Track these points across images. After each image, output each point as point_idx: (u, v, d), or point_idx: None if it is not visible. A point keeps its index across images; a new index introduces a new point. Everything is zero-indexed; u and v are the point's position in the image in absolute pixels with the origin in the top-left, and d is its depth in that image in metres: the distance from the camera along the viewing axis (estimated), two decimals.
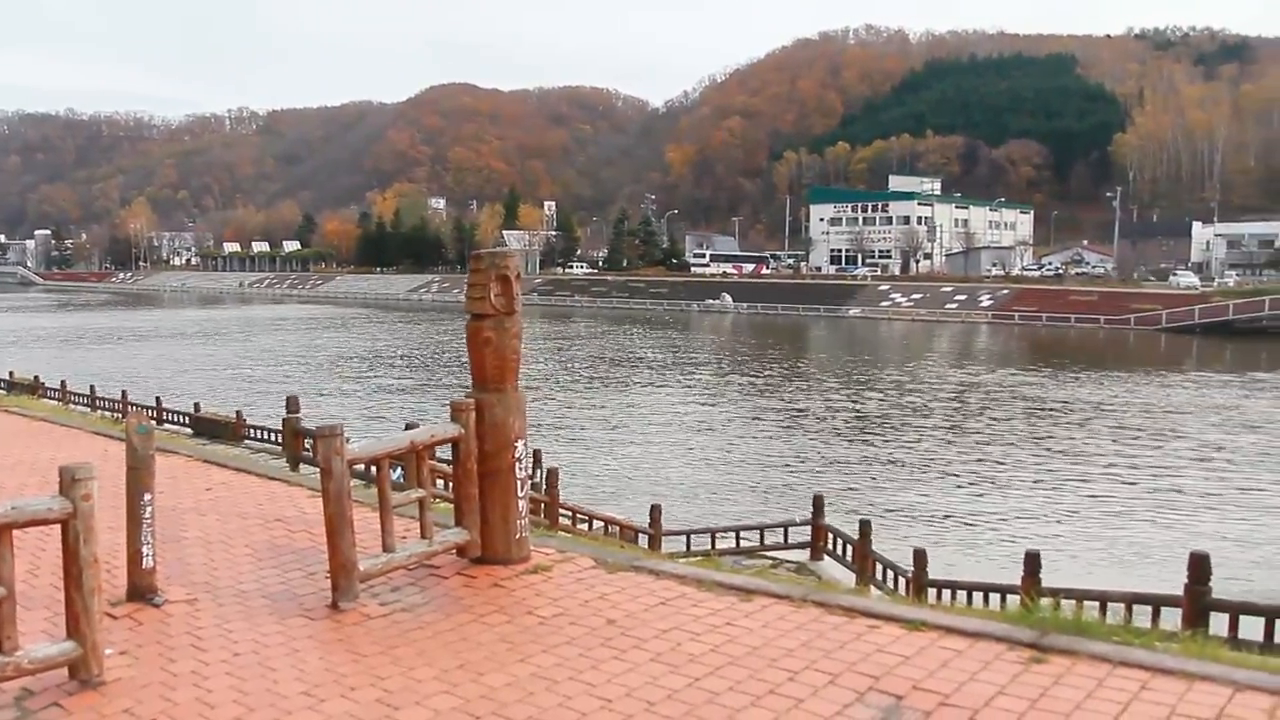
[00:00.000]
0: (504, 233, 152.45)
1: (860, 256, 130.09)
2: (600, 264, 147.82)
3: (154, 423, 21.94)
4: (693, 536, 14.51)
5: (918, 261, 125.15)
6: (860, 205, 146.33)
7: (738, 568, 8.20)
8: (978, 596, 10.49)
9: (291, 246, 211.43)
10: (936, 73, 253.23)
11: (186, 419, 23.75)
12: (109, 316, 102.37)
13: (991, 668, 4.43)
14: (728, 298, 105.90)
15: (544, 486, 14.10)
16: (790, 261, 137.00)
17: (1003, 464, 26.96)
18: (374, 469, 6.45)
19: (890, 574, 12.29)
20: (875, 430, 32.50)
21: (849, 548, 13.43)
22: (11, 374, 30.52)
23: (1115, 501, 22.71)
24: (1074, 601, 8.50)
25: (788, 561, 14.31)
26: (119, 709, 4.26)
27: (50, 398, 26.85)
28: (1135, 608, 8.80)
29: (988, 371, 49.52)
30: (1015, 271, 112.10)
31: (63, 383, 28.25)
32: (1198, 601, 8.01)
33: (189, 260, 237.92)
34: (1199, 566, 8.11)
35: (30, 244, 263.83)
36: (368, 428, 30.08)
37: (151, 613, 5.49)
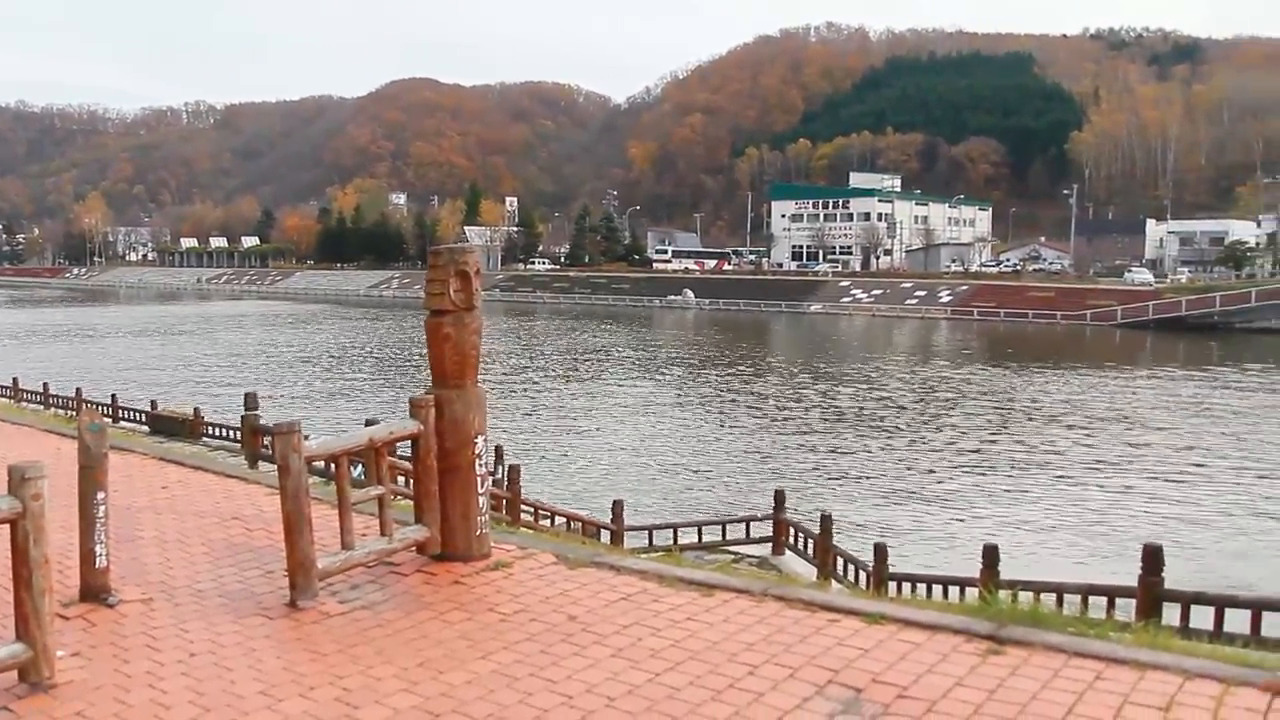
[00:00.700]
0: (466, 229, 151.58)
1: (821, 253, 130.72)
2: (562, 260, 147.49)
3: (109, 420, 21.59)
4: (655, 532, 14.53)
5: (878, 258, 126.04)
6: (821, 202, 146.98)
7: (699, 563, 8.22)
8: (937, 589, 10.60)
9: (250, 242, 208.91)
10: (897, 70, 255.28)
11: (143, 417, 23.40)
12: (63, 313, 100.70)
13: (949, 660, 4.47)
14: (689, 294, 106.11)
15: (506, 483, 14.06)
16: (752, 258, 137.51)
17: (964, 458, 27.24)
18: (333, 466, 6.39)
19: (851, 568, 12.38)
20: (837, 425, 32.72)
21: (810, 542, 13.51)
22: None
23: (1075, 494, 23.03)
24: (1031, 593, 8.62)
25: (750, 556, 14.35)
26: (71, 712, 4.18)
27: (2, 395, 26.37)
28: (1091, 599, 8.92)
29: (951, 368, 50.02)
30: (974, 268, 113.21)
31: (15, 380, 27.74)
32: (1151, 592, 8.13)
33: (145, 256, 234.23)
34: (1152, 558, 8.23)
35: None
36: (329, 425, 29.82)
37: (105, 613, 5.40)
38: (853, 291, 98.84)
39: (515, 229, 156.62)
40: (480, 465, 6.28)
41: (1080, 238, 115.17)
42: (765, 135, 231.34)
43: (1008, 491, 23.42)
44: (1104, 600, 8.73)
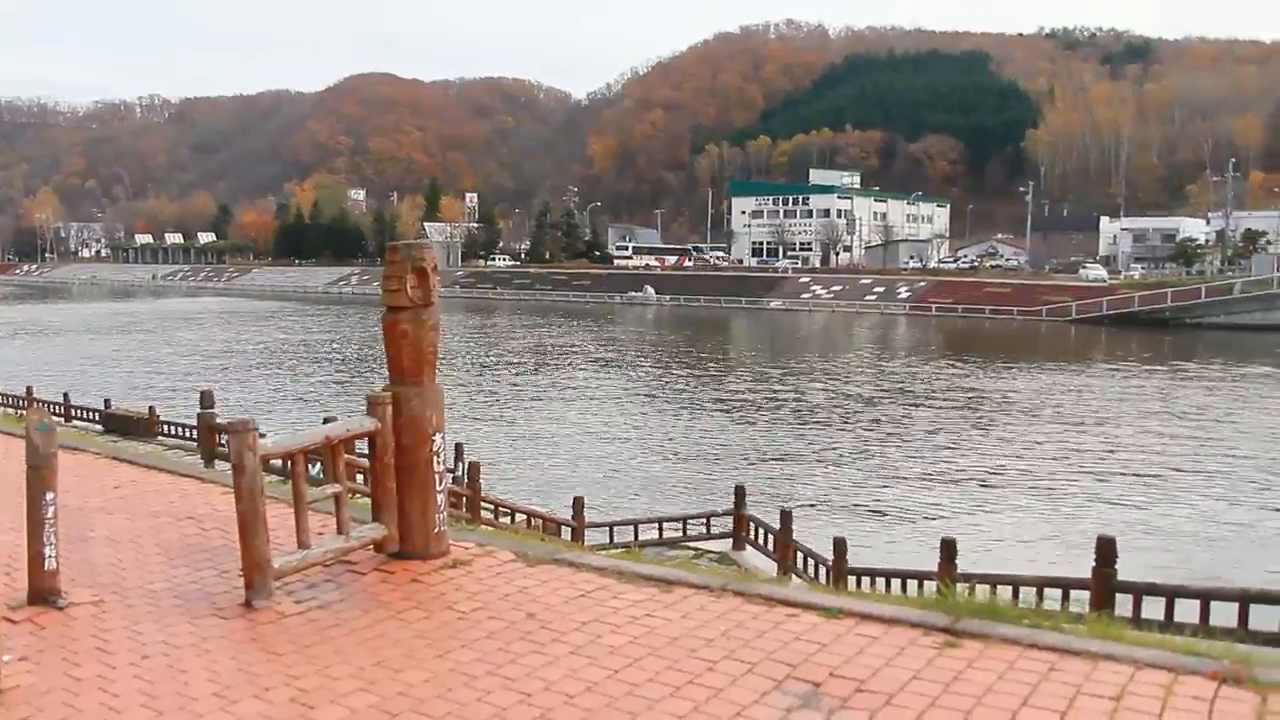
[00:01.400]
0: (425, 224, 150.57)
1: (781, 249, 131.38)
2: (523, 256, 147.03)
3: (60, 419, 21.23)
4: (616, 528, 14.53)
5: (837, 254, 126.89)
6: (781, 198, 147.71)
7: (660, 559, 8.23)
8: (896, 583, 10.68)
9: (207, 238, 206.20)
10: (856, 68, 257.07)
11: (97, 415, 23.03)
12: (15, 310, 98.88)
13: (906, 653, 4.51)
14: (650, 290, 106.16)
15: (466, 480, 14.00)
16: (716, 256, 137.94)
17: (923, 453, 27.48)
18: (291, 464, 6.33)
19: (811, 563, 12.44)
20: (798, 421, 32.89)
21: (771, 537, 13.58)
22: None
23: (1033, 487, 23.30)
24: (988, 586, 8.73)
25: (711, 552, 14.42)
26: (17, 718, 4.10)
27: None
28: (1046, 591, 9.05)
29: (909, 364, 50.46)
30: (932, 264, 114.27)
31: None
32: (1105, 583, 8.26)
33: (99, 252, 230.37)
34: (1106, 549, 8.36)
35: None
36: (287, 423, 29.51)
37: (54, 616, 5.31)
38: (813, 287, 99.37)
39: (476, 225, 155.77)
40: (438, 463, 6.24)
41: (1036, 234, 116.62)
42: (726, 132, 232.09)
43: (967, 485, 23.65)
44: (1059, 592, 8.86)
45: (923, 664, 4.38)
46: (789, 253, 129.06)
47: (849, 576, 11.43)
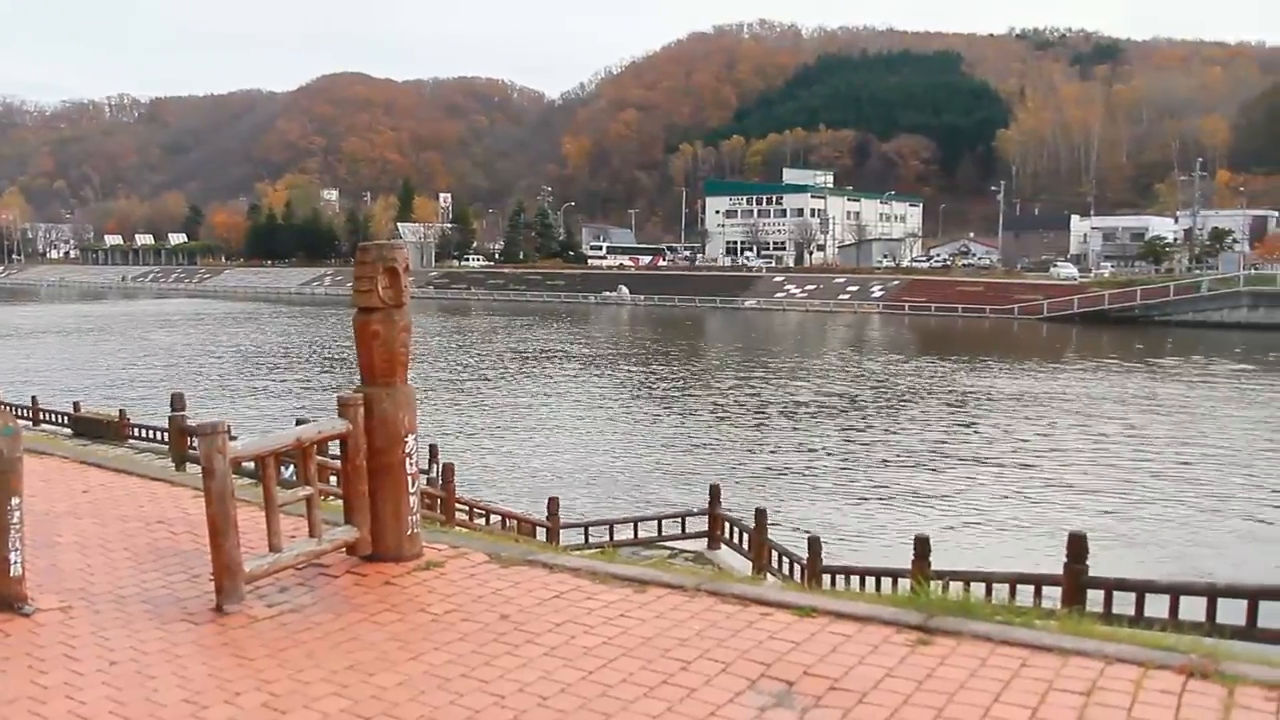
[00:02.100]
0: (399, 225, 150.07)
1: (756, 248, 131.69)
2: (497, 256, 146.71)
3: (27, 422, 20.99)
4: (591, 529, 14.52)
5: (811, 253, 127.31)
6: (755, 198, 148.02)
7: (634, 559, 8.23)
8: (870, 581, 10.71)
9: (178, 239, 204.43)
10: (829, 68, 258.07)
11: (65, 419, 22.74)
12: None
13: (880, 651, 4.53)
14: (625, 290, 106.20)
15: (440, 482, 13.94)
16: (689, 254, 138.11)
17: (897, 451, 27.62)
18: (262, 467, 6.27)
19: (786, 561, 12.47)
20: (772, 420, 32.98)
21: (745, 537, 13.60)
22: None
23: (1006, 483, 23.48)
24: (961, 583, 8.77)
25: (686, 552, 14.42)
26: None
27: None
28: (1019, 587, 9.11)
29: (882, 362, 50.70)
30: (905, 263, 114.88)
31: None
32: (1076, 580, 8.32)
33: (67, 253, 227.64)
34: (1077, 545, 8.43)
35: None
36: (259, 425, 29.30)
37: (20, 623, 5.24)
38: (787, 287, 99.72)
39: (449, 225, 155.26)
40: (411, 464, 6.21)
41: (1008, 233, 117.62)
42: (699, 131, 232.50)
43: (940, 482, 23.79)
44: (1031, 589, 8.91)
45: (896, 662, 4.39)
46: (763, 252, 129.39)
47: (823, 575, 11.47)
